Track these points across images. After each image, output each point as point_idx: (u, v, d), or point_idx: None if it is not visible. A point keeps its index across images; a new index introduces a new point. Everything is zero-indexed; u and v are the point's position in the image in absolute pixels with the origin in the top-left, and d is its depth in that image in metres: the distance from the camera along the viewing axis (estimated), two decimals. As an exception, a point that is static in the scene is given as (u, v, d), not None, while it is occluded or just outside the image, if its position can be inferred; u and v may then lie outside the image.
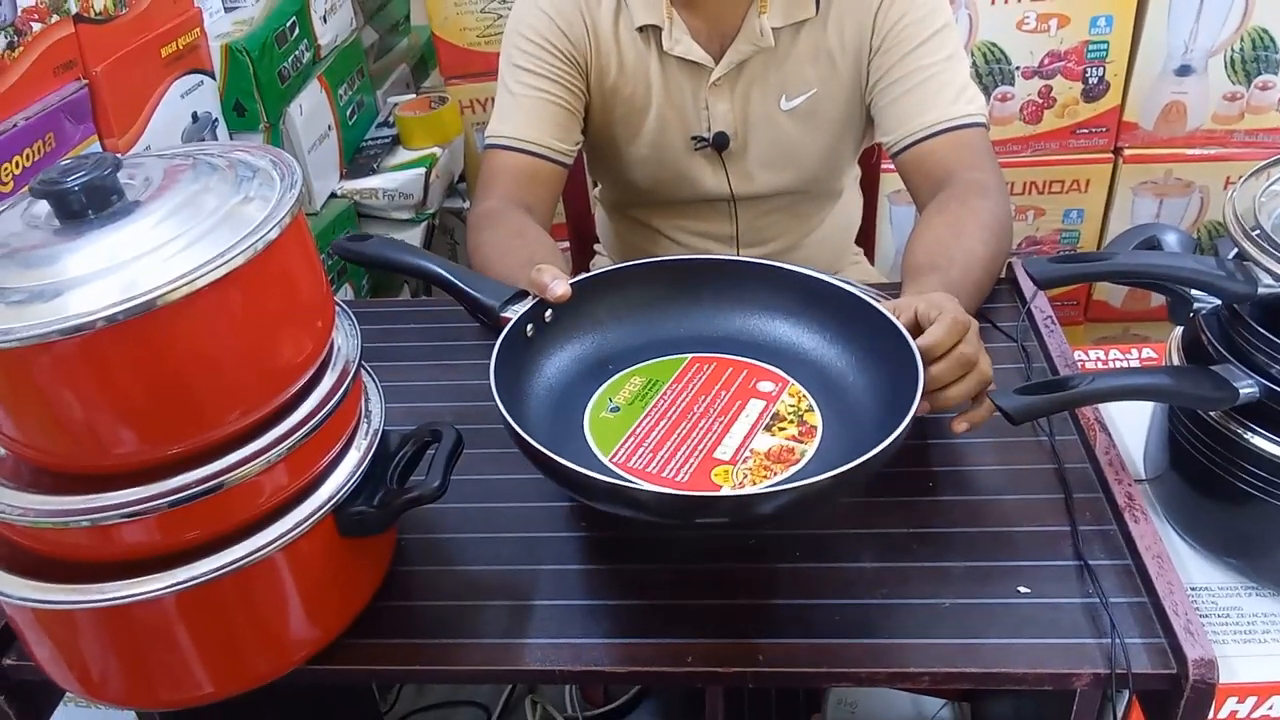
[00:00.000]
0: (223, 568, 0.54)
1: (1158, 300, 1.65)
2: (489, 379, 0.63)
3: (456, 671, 0.63)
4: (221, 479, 0.53)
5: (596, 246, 1.31)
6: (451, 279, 0.74)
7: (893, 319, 0.66)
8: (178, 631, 0.56)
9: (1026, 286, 0.91)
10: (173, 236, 0.52)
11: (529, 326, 0.70)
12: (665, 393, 0.69)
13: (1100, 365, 0.94)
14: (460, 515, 0.72)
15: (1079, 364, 0.83)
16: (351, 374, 0.60)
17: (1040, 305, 0.88)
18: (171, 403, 0.52)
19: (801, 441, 0.64)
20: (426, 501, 0.59)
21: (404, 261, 0.77)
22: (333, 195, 1.39)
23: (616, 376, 0.71)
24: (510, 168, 1.00)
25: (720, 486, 0.61)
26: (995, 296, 0.90)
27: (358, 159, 1.46)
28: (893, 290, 0.93)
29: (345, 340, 0.62)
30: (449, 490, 0.61)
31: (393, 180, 1.40)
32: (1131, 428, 0.78)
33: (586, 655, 0.61)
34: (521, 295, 0.72)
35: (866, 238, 1.30)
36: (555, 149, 1.00)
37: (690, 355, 0.73)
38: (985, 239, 0.87)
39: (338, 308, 0.64)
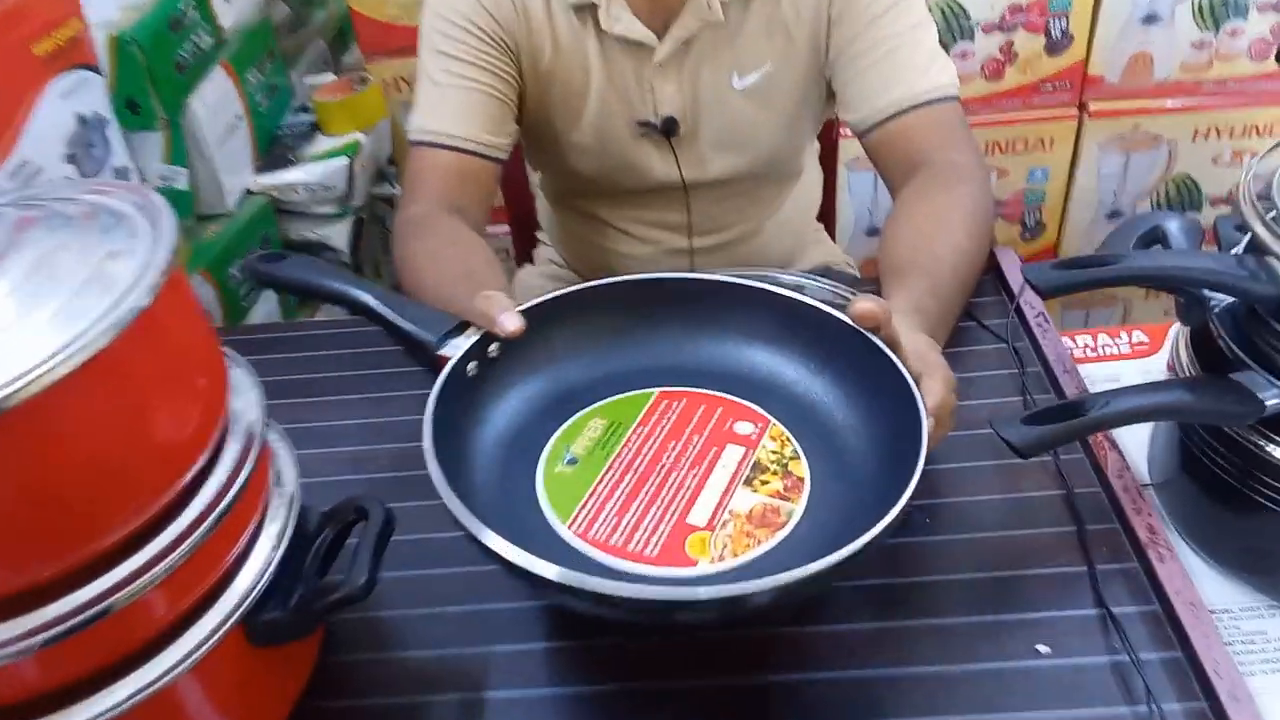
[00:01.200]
0: (108, 711, 0.44)
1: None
2: (423, 437, 0.54)
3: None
4: (105, 603, 0.44)
5: (540, 234, 1.21)
6: (379, 308, 0.64)
7: (895, 361, 0.57)
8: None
9: (1013, 278, 0.83)
10: (24, 312, 0.42)
11: (471, 365, 0.61)
12: (630, 439, 0.60)
13: (1089, 354, 0.87)
14: (397, 587, 0.62)
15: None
16: (255, 448, 0.51)
17: (1030, 300, 0.81)
18: (35, 519, 0.42)
19: (787, 498, 0.56)
20: (353, 602, 0.50)
21: (324, 287, 0.67)
22: (248, 193, 1.28)
23: (574, 419, 0.62)
24: (439, 167, 0.90)
25: (696, 561, 0.53)
26: (978, 288, 0.83)
27: (274, 149, 1.34)
28: (865, 287, 0.85)
29: (245, 403, 0.53)
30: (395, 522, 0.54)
31: (313, 172, 1.29)
32: (1134, 427, 0.71)
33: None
34: (462, 327, 0.63)
35: (827, 212, 1.22)
36: (488, 144, 0.90)
37: (657, 390, 0.64)
38: (970, 230, 0.79)
39: (233, 362, 0.54)
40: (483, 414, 0.62)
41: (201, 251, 1.20)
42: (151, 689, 0.45)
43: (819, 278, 0.88)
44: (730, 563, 0.53)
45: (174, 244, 0.46)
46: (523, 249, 1.24)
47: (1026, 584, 0.60)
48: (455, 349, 0.60)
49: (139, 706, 0.45)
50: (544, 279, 1.15)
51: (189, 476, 0.47)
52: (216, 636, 0.47)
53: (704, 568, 0.52)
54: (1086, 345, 0.88)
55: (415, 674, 0.59)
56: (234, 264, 1.23)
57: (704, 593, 0.44)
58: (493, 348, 0.62)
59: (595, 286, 0.66)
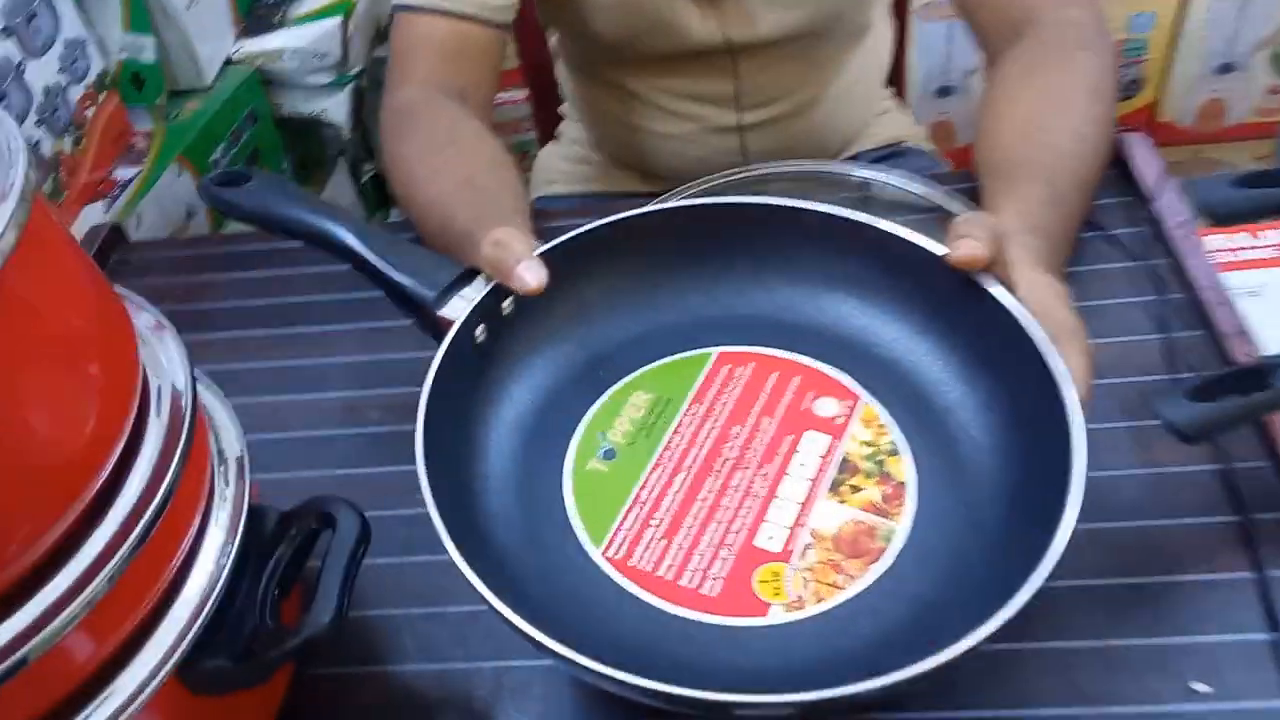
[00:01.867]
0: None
1: (1231, 120, 1.41)
2: (415, 438, 0.42)
3: None
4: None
5: (563, 109, 1.05)
6: (362, 252, 0.51)
7: (1024, 323, 0.43)
8: None
9: (1147, 172, 0.67)
10: None
11: (479, 330, 0.48)
12: (683, 421, 0.48)
13: (1232, 259, 0.72)
14: (388, 578, 0.52)
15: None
16: (184, 437, 0.39)
17: (1168, 203, 0.65)
18: None
19: (886, 514, 0.43)
20: (315, 645, 0.40)
21: (294, 220, 0.53)
22: (228, 63, 1.12)
23: (612, 392, 0.49)
24: (431, 38, 0.74)
25: (768, 607, 0.41)
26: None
27: (255, 10, 1.17)
28: (955, 182, 0.70)
29: (166, 371, 0.41)
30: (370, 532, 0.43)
31: (302, 36, 1.12)
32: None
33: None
34: (468, 276, 0.49)
35: (896, 71, 1.04)
36: (488, 5, 0.74)
37: (717, 350, 0.51)
38: (1095, 114, 0.63)
39: (148, 315, 0.43)
40: (495, 391, 0.49)
41: (177, 134, 1.05)
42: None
43: (890, 171, 0.73)
44: (811, 610, 0.41)
45: (24, 191, 0.33)
46: (544, 119, 1.08)
47: (1173, 595, 0.48)
48: (459, 308, 0.47)
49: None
50: (569, 163, 1.00)
51: (94, 487, 0.36)
52: (145, 693, 0.37)
53: (778, 616, 0.40)
54: (1222, 248, 0.73)
55: (407, 695, 0.49)
56: (217, 148, 1.09)
57: (792, 701, 0.33)
58: (506, 303, 0.49)
59: (634, 216, 0.51)
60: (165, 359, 0.42)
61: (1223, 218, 0.45)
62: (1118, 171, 0.69)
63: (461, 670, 0.49)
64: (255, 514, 0.43)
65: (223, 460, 0.43)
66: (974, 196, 0.68)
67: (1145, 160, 0.68)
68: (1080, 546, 0.48)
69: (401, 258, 0.50)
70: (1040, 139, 0.61)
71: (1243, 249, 0.73)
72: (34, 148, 0.89)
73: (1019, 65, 0.67)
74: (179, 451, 0.38)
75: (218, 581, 0.40)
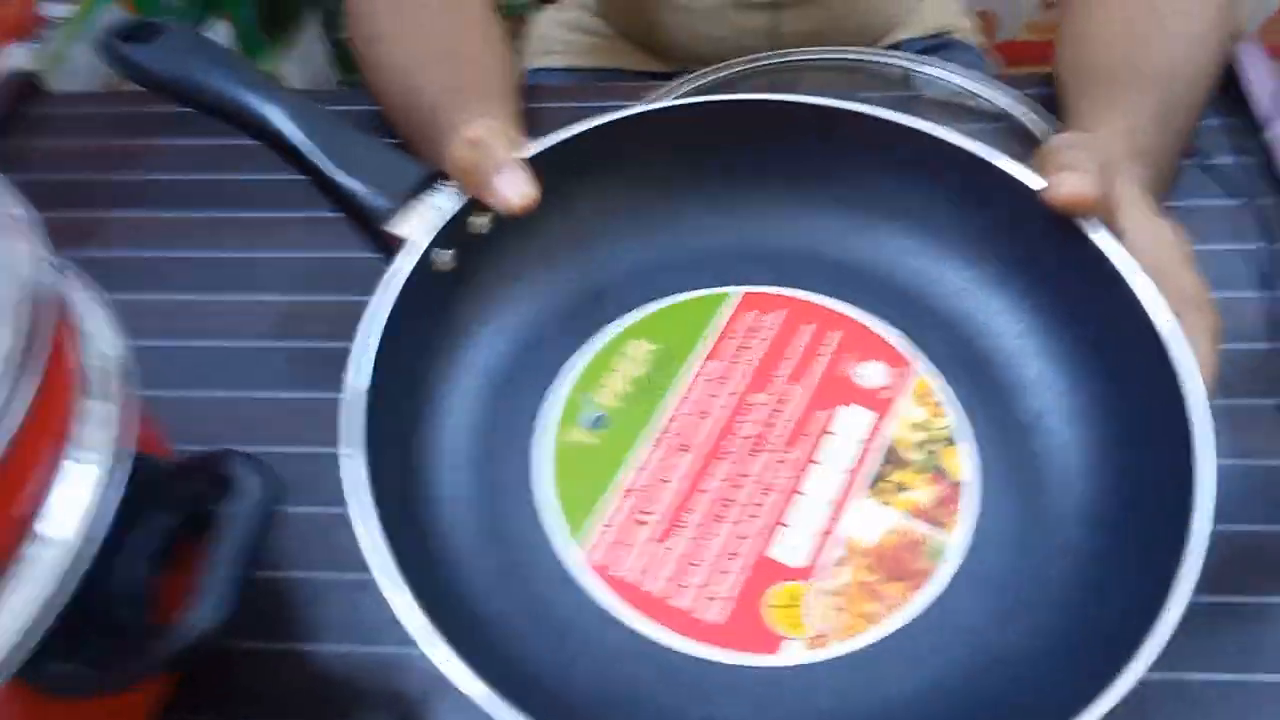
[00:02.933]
0: None
1: None
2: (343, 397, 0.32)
3: None
4: None
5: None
6: (297, 142, 0.40)
7: (1159, 320, 0.34)
8: None
9: (1259, 90, 0.56)
10: None
11: (445, 256, 0.38)
12: (692, 383, 0.38)
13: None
14: (310, 530, 0.43)
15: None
16: (23, 357, 0.28)
17: (1285, 131, 0.54)
18: None
19: (938, 522, 0.34)
20: (197, 654, 0.31)
21: (214, 92, 0.42)
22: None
23: (605, 339, 0.40)
24: None
25: (779, 643, 0.32)
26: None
27: None
28: (1027, 86, 0.58)
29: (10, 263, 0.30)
30: (285, 496, 0.33)
31: None
32: None
33: None
34: (434, 181, 0.39)
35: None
36: None
37: (740, 289, 0.41)
38: (1211, 17, 0.51)
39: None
40: (458, 334, 0.39)
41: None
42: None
43: (946, 65, 0.62)
44: (838, 648, 0.32)
45: None
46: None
47: (1269, 621, 0.39)
48: (418, 225, 0.37)
49: None
50: (570, 32, 0.87)
51: None
52: None
53: (793, 654, 0.32)
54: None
55: (329, 682, 0.40)
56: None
57: None
58: (481, 221, 0.39)
59: (642, 114, 0.41)
60: (20, 254, 0.31)
61: None
62: (1223, 88, 0.57)
63: (392, 656, 0.40)
64: (139, 466, 0.33)
65: (96, 392, 0.33)
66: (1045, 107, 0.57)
67: (1260, 77, 0.57)
68: (1221, 559, 0.39)
69: (350, 152, 0.39)
70: (1151, 42, 0.50)
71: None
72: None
73: None
74: (29, 384, 0.28)
75: (76, 560, 0.30)
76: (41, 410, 0.29)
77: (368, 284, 0.44)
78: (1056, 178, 0.36)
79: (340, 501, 0.44)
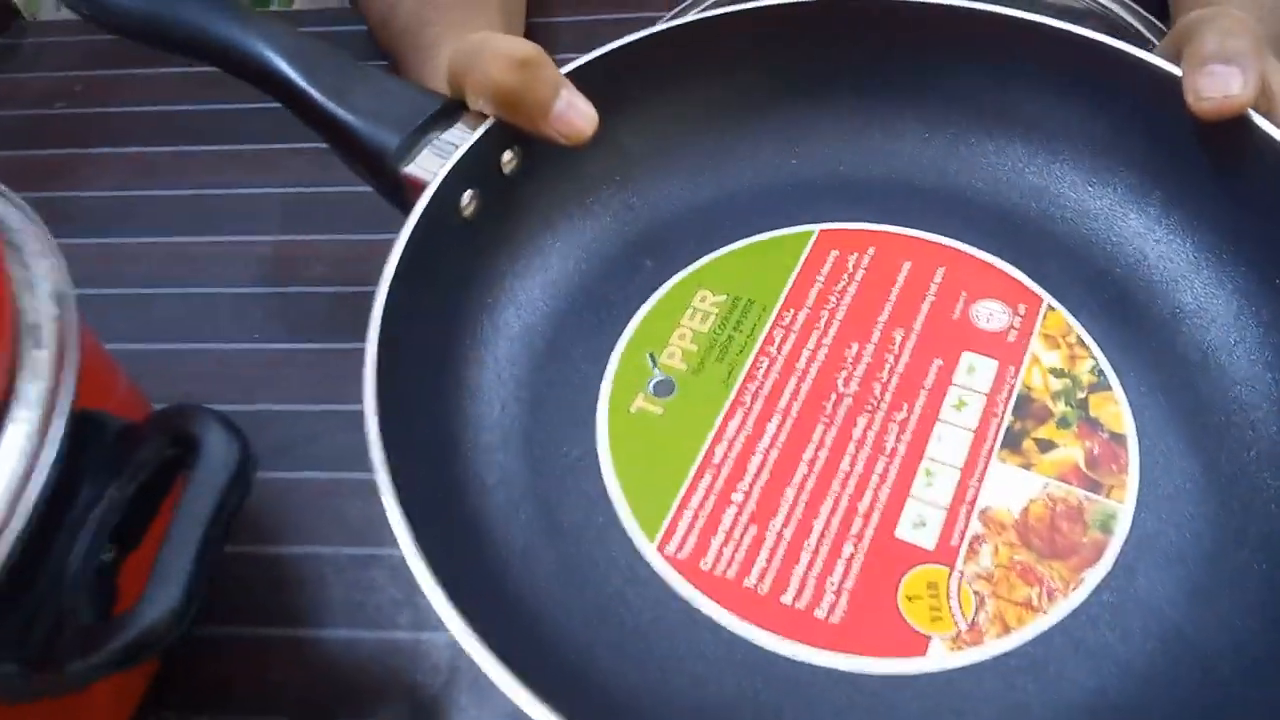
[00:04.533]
0: None
1: None
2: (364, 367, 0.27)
3: None
4: None
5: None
6: (296, 79, 0.34)
7: None
8: None
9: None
10: None
11: (467, 195, 0.32)
12: (771, 336, 0.32)
13: None
14: (308, 498, 0.38)
15: None
16: None
17: None
18: None
19: (1100, 486, 0.28)
20: (152, 648, 0.25)
21: (199, 34, 0.36)
22: None
23: (663, 292, 0.34)
24: None
25: (927, 642, 0.26)
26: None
27: None
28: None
29: None
30: (257, 461, 0.27)
31: None
32: None
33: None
34: (448, 113, 0.33)
35: None
36: None
37: (818, 227, 0.35)
38: None
39: None
40: (489, 289, 0.33)
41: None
42: None
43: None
44: (994, 646, 0.26)
45: None
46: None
47: None
48: (436, 162, 0.31)
49: None
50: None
51: None
52: None
53: (940, 656, 0.26)
54: None
55: (328, 671, 0.35)
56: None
57: None
58: (507, 157, 0.33)
59: (690, 25, 0.35)
60: None
61: None
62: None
63: (406, 643, 0.35)
64: (84, 425, 0.27)
65: (35, 341, 0.27)
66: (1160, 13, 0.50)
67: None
68: None
69: (350, 85, 0.34)
70: None
71: None
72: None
73: None
74: None
75: (3, 536, 0.25)
76: None
77: (370, 221, 0.38)
78: (1202, 74, 0.29)
79: (344, 466, 0.39)
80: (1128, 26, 0.49)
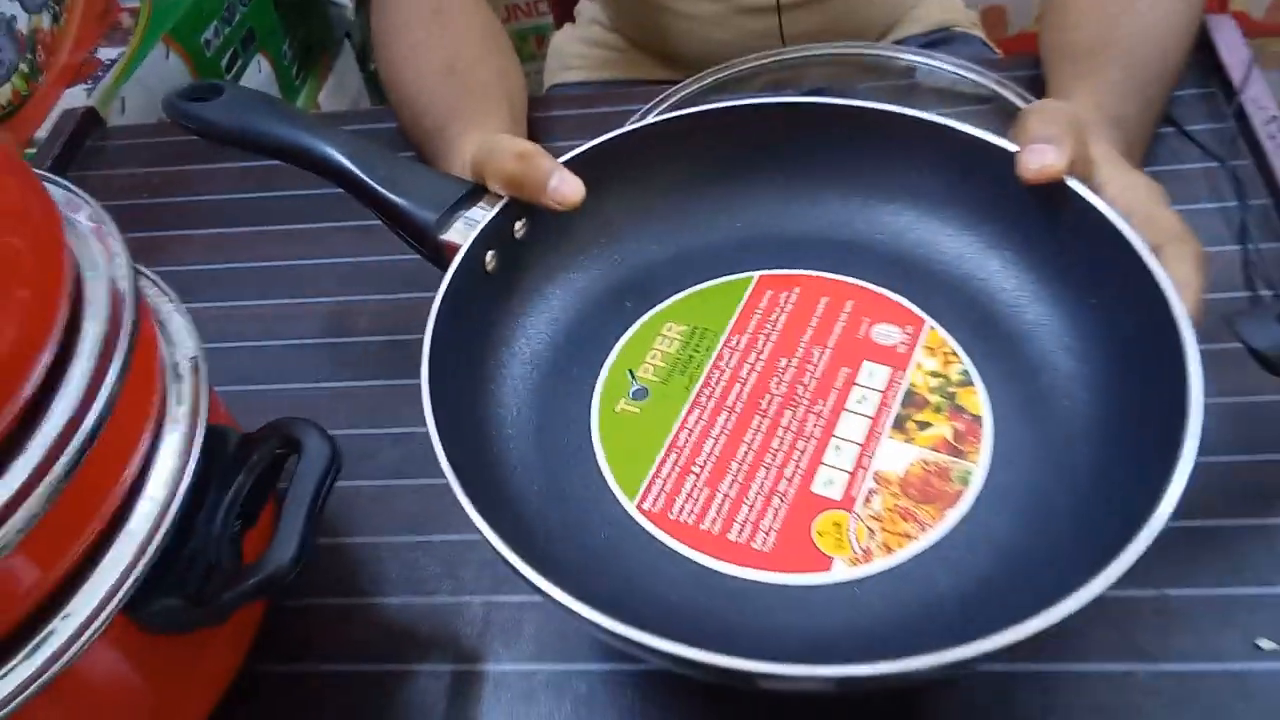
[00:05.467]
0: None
1: None
2: (421, 374, 0.37)
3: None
4: None
5: (580, -12, 0.96)
6: (353, 171, 0.45)
7: (1117, 225, 0.38)
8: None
9: (1233, 60, 0.61)
10: None
11: (489, 255, 0.43)
12: (722, 354, 0.43)
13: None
14: (369, 502, 0.49)
15: None
16: (124, 345, 0.34)
17: (1255, 96, 0.59)
18: None
19: (960, 453, 0.39)
20: (276, 586, 0.36)
21: (275, 137, 0.47)
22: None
23: (639, 325, 0.45)
24: None
25: (830, 561, 0.37)
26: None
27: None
28: (1012, 73, 0.63)
29: (103, 268, 0.36)
30: (343, 460, 0.39)
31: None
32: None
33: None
34: (474, 195, 0.44)
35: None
36: None
37: (757, 274, 0.46)
38: None
39: (88, 207, 0.38)
40: (508, 327, 0.44)
41: (165, 11, 0.98)
42: (7, 708, 0.32)
43: (937, 55, 0.66)
44: (882, 563, 0.36)
45: None
46: (563, 4, 1.00)
47: (1244, 541, 0.43)
48: (465, 231, 0.42)
49: None
50: (587, 46, 0.92)
51: (16, 404, 0.31)
52: (87, 634, 0.33)
53: (843, 571, 0.36)
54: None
55: (391, 630, 0.45)
56: (209, 28, 1.02)
57: (823, 675, 0.29)
58: (519, 225, 0.44)
59: (659, 124, 0.46)
60: (103, 258, 0.37)
61: (1275, 362, 0.38)
62: (1199, 59, 0.62)
63: (451, 605, 0.46)
64: (214, 436, 0.38)
65: (177, 375, 0.38)
66: (1033, 88, 0.61)
67: (1231, 47, 0.61)
68: None
69: (398, 176, 0.45)
70: (1121, 18, 0.55)
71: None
72: (8, 23, 0.82)
73: None
74: (118, 362, 0.33)
75: (168, 511, 0.35)
76: (131, 391, 0.34)
77: (403, 284, 0.48)
78: (1026, 151, 0.40)
79: (395, 475, 0.49)
80: (1016, 110, 0.61)
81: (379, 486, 0.50)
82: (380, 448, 0.51)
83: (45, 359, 0.32)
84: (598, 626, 0.30)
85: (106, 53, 0.93)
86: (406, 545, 0.48)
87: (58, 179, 0.39)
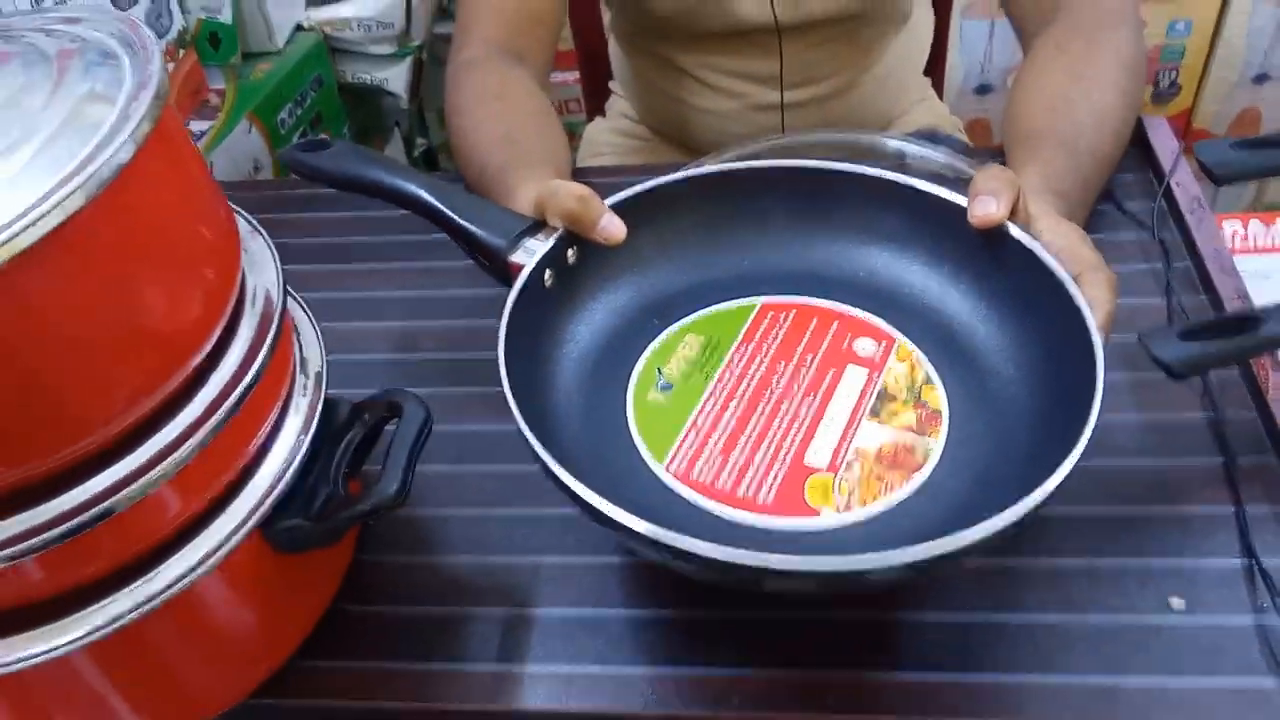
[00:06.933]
0: (114, 621, 0.41)
1: (1267, 128, 1.45)
2: (498, 358, 0.47)
3: (432, 711, 0.50)
4: (106, 502, 0.39)
5: (612, 84, 1.10)
6: (436, 206, 0.56)
7: (1047, 262, 0.49)
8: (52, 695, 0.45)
9: (1163, 153, 0.72)
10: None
11: (548, 274, 0.54)
12: (732, 359, 0.54)
13: (1239, 245, 0.77)
14: (439, 483, 0.58)
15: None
16: (273, 330, 0.45)
17: (1183, 180, 0.70)
18: (12, 404, 0.37)
19: (923, 433, 0.49)
20: (383, 511, 0.46)
21: (374, 180, 0.59)
22: (298, 29, 1.18)
23: (665, 335, 0.55)
24: (494, 4, 0.80)
25: (819, 510, 0.47)
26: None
27: (323, -19, 1.23)
28: (980, 156, 0.75)
29: (262, 275, 0.47)
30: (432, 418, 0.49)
31: (368, 6, 1.18)
32: None
33: (606, 690, 0.49)
34: (536, 227, 0.55)
35: (936, 64, 1.09)
36: None
37: (760, 300, 0.57)
38: (1119, 92, 0.67)
39: (246, 224, 0.49)
40: (562, 331, 0.55)
41: (248, 93, 1.12)
42: (160, 598, 0.42)
43: (923, 142, 0.78)
44: (860, 513, 0.46)
45: (159, 82, 0.40)
46: (594, 99, 1.14)
47: (1160, 524, 0.53)
48: (529, 254, 0.53)
49: (151, 614, 0.42)
50: (614, 135, 1.05)
51: (195, 362, 0.42)
52: (230, 543, 0.44)
53: (829, 519, 0.46)
54: (1235, 233, 0.78)
55: (455, 582, 0.55)
56: (284, 108, 1.15)
57: (872, 560, 0.38)
58: (571, 253, 0.55)
59: (684, 179, 0.57)
60: (260, 263, 0.48)
61: (1221, 176, 0.49)
62: (1138, 150, 0.74)
63: (504, 563, 0.55)
64: (329, 404, 0.49)
65: (304, 366, 0.50)
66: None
67: (1163, 140, 0.73)
68: (1079, 480, 0.54)
69: (475, 211, 0.56)
70: (1064, 112, 0.66)
71: (1258, 235, 0.79)
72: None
73: (1050, 43, 0.71)
74: (267, 342, 0.45)
75: (296, 455, 0.46)
76: (274, 372, 0.45)
77: (464, 312, 0.57)
78: (975, 202, 0.52)
79: (459, 460, 0.59)
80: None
81: (446, 471, 0.59)
82: (446, 441, 0.59)
83: (214, 334, 0.43)
84: (629, 530, 0.40)
85: (198, 125, 1.06)
86: (468, 518, 0.58)
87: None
